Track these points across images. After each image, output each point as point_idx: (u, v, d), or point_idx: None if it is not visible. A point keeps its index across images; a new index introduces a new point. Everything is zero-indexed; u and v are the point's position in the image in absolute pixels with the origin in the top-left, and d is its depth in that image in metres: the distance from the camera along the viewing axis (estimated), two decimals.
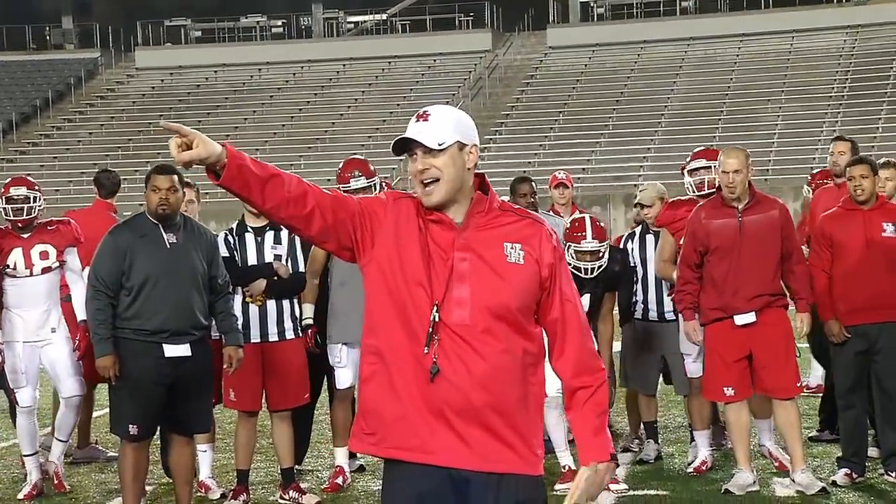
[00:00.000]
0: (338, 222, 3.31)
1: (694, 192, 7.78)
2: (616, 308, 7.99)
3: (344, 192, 6.70)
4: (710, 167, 7.65)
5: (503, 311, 3.25)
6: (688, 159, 8.11)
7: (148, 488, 7.39)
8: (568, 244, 7.39)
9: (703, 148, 8.48)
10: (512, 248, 3.31)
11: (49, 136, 37.35)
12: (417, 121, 3.28)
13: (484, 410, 3.23)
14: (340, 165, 7.72)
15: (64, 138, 37.32)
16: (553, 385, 4.23)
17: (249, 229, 7.36)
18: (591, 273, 7.33)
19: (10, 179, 8.16)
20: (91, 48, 41.47)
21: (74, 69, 40.34)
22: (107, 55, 41.51)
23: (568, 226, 7.85)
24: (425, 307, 3.23)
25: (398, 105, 35.47)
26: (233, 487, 7.42)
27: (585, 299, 7.25)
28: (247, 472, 7.35)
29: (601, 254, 7.42)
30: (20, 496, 7.42)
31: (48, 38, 41.91)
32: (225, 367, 6.83)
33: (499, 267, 3.27)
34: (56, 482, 7.50)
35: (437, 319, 3.22)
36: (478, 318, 3.23)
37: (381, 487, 3.58)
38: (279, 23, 41.30)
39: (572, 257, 7.30)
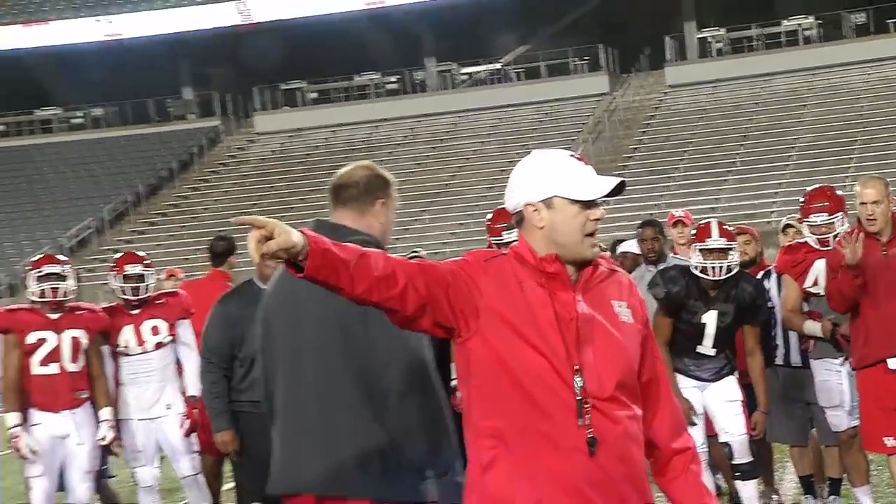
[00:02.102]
0: (431, 296, 3.06)
1: (817, 245, 7.32)
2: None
3: (496, 244, 6.74)
4: (832, 222, 7.18)
5: (627, 374, 3.10)
6: (803, 198, 7.54)
7: None
8: (693, 245, 7.26)
9: (819, 188, 7.79)
10: (619, 305, 3.16)
11: (176, 206, 38.58)
12: (586, 164, 3.10)
13: (621, 484, 3.05)
14: (489, 216, 7.52)
15: (191, 207, 38.40)
16: None
17: None
18: (720, 273, 7.00)
19: (123, 255, 8.28)
20: (211, 116, 42.57)
21: (197, 138, 41.62)
22: (227, 122, 42.81)
23: (694, 233, 7.63)
24: (558, 375, 3.00)
25: (517, 154, 34.11)
26: None
27: (711, 316, 7.07)
28: None
29: (729, 253, 7.13)
30: None
31: (170, 109, 43.36)
32: None
33: (615, 327, 3.11)
34: None
35: (582, 386, 2.99)
36: (607, 384, 3.03)
37: None
38: (393, 79, 41.74)
39: (699, 258, 7.10)
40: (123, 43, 41.10)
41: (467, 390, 3.13)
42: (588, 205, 3.01)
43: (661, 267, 7.94)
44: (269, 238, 2.84)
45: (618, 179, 3.05)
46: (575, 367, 2.95)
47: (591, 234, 3.04)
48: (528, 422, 2.97)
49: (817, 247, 7.17)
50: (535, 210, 3.03)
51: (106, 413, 7.22)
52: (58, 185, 40.40)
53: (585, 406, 2.93)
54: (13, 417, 7.31)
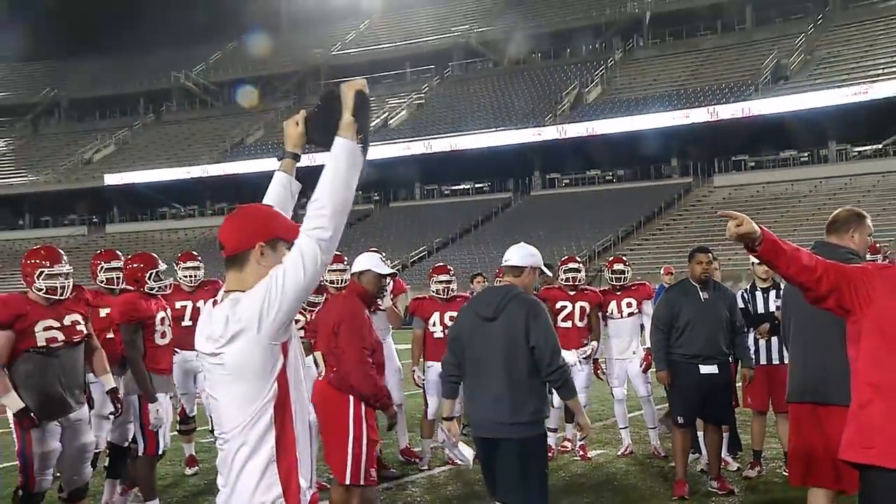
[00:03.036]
0: (838, 286, 3.93)
1: None
2: None
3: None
4: None
5: None
6: None
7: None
8: None
9: None
10: None
11: (661, 231, 44.59)
12: None
13: None
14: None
15: (670, 232, 44.03)
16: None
17: (759, 288, 9.08)
18: None
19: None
20: (686, 176, 49.62)
21: (676, 190, 48.69)
22: (696, 180, 49.14)
23: None
24: None
25: (885, 206, 38.23)
26: None
27: None
28: None
29: None
30: None
31: (661, 170, 50.97)
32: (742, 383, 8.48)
33: None
34: None
35: None
36: None
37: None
38: (805, 154, 46.79)
39: None
40: (636, 133, 48.50)
41: (856, 352, 3.99)
42: None
43: None
44: (738, 226, 3.86)
45: None
46: None
47: None
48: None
49: None
50: None
51: None
52: (582, 219, 45.80)
53: None
54: None
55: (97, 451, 7.32)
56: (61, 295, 6.49)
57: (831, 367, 4.94)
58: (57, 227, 64.08)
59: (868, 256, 7.50)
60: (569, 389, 5.97)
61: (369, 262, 6.71)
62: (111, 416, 7.47)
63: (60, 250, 6.87)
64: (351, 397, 6.27)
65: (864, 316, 3.91)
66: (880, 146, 45.85)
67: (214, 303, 3.26)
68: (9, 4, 68.12)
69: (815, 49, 51.71)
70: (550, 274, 6.46)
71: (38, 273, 6.45)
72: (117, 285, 7.75)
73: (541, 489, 5.87)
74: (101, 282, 7.94)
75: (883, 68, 46.55)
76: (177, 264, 9.69)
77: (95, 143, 68.96)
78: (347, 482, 6.28)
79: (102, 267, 7.80)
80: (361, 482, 6.26)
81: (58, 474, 6.73)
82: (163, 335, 7.52)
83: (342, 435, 6.22)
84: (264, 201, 3.46)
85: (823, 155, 47.69)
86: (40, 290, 6.43)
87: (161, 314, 7.52)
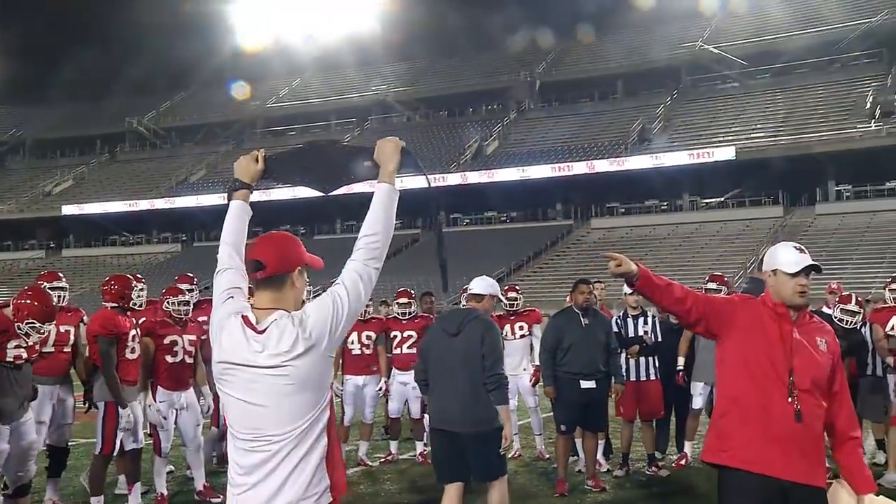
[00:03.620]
0: (706, 315, 4.04)
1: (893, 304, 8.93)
2: None
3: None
4: None
5: (819, 379, 3.86)
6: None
7: None
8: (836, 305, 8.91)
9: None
10: (821, 340, 3.96)
11: (539, 270, 44.38)
12: (803, 252, 3.97)
13: (808, 440, 3.78)
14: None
15: (550, 272, 43.26)
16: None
17: (630, 315, 9.27)
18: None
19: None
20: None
21: (559, 231, 48.97)
22: (576, 222, 49.16)
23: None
24: (781, 372, 3.83)
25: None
26: None
27: None
28: None
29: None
30: None
31: (547, 212, 51.02)
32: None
33: (816, 351, 3.89)
34: None
35: (793, 380, 3.79)
36: (806, 382, 3.82)
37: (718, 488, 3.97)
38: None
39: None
40: (527, 181, 49.52)
41: (721, 370, 4.05)
42: (804, 276, 3.91)
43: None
44: (618, 265, 3.99)
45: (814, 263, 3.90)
46: (790, 368, 3.81)
47: (801, 295, 3.91)
48: (750, 394, 3.87)
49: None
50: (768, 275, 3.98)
51: None
52: (480, 253, 43.22)
53: (794, 391, 3.79)
54: None
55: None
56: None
57: None
58: (18, 251, 62.40)
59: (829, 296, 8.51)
60: (501, 395, 6.16)
61: None
62: (46, 421, 7.32)
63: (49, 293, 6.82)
64: None
65: (726, 339, 3.98)
66: (722, 199, 47.43)
67: (245, 319, 3.06)
68: None
69: (672, 117, 52.88)
70: (505, 301, 6.55)
71: (26, 321, 6.44)
72: (60, 303, 7.34)
73: (501, 465, 6.22)
74: None
75: (722, 136, 48.18)
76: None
77: (55, 178, 67.52)
78: None
79: (45, 286, 7.35)
80: None
81: (1, 473, 6.61)
82: (132, 350, 7.37)
83: None
84: (228, 226, 3.32)
85: (679, 204, 48.91)
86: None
87: (132, 332, 7.38)
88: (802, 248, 3.99)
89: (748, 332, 3.92)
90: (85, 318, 7.83)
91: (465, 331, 6.22)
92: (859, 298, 8.92)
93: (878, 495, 3.97)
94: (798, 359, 3.86)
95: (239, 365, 3.01)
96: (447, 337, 6.30)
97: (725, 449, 3.88)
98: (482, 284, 6.64)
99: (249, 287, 3.22)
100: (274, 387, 2.98)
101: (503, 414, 6.15)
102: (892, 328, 8.76)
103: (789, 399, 3.76)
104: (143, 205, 58.71)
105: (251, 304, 3.13)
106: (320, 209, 50.84)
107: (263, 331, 3.03)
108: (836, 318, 8.65)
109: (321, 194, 3.53)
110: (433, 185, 3.47)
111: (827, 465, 4.04)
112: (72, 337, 6.85)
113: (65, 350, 7.59)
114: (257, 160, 3.37)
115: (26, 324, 6.38)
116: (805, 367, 3.84)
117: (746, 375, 3.88)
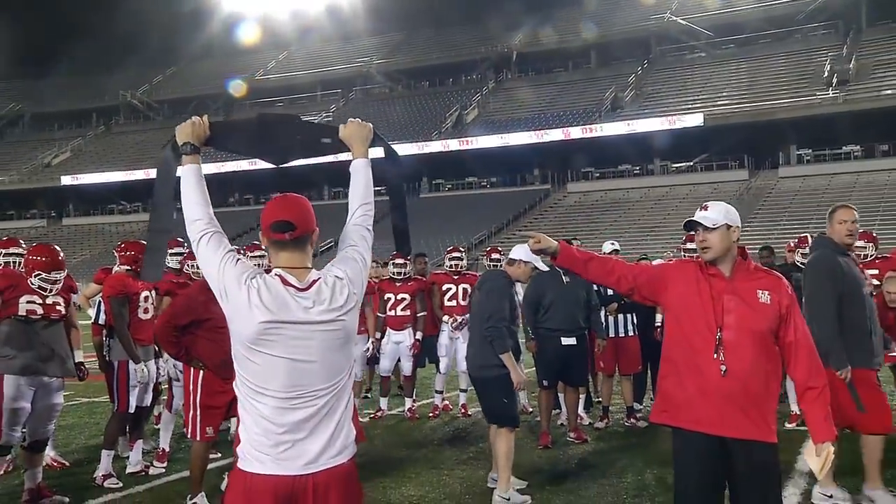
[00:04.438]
0: (639, 284, 3.93)
1: None
2: None
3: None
4: None
5: (758, 333, 3.68)
6: None
7: None
8: None
9: None
10: (762, 293, 3.73)
11: (518, 232, 40.80)
12: (700, 210, 3.79)
13: (741, 396, 3.64)
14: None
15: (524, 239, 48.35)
16: None
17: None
18: None
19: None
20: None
21: (537, 195, 49.11)
22: (553, 186, 49.41)
23: None
24: (710, 330, 3.68)
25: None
26: None
27: None
28: None
29: None
30: None
31: (525, 178, 51.31)
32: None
33: (754, 305, 3.70)
34: None
35: (720, 337, 3.65)
36: (742, 338, 3.66)
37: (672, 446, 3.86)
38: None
39: None
40: (505, 148, 49.91)
41: (664, 333, 3.95)
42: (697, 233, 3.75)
43: None
44: (536, 243, 3.95)
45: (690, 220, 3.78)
46: (718, 325, 3.68)
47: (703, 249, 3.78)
48: (687, 353, 3.75)
49: None
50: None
51: None
52: (462, 217, 45.15)
53: (720, 348, 3.66)
54: None
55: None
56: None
57: None
58: (20, 220, 61.93)
59: (858, 243, 8.05)
60: (498, 345, 6.34)
61: None
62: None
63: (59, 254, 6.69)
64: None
65: (663, 304, 3.91)
66: (691, 163, 47.51)
67: (283, 278, 2.93)
68: None
69: (643, 86, 53.03)
70: (545, 268, 6.59)
71: (35, 274, 6.41)
72: (17, 268, 6.93)
73: (505, 414, 6.46)
74: None
75: (691, 104, 48.24)
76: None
77: (54, 150, 67.11)
78: (189, 437, 6.23)
79: (1, 252, 7.03)
80: (197, 438, 6.09)
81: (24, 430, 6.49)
82: (145, 311, 7.28)
83: (187, 396, 6.18)
84: (197, 190, 3.11)
85: (650, 169, 49.05)
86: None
87: (146, 293, 7.30)
88: (707, 205, 3.84)
89: (681, 295, 3.81)
90: (79, 288, 7.66)
91: (482, 287, 6.68)
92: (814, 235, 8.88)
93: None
94: (732, 316, 3.70)
95: (288, 323, 2.86)
96: (476, 292, 6.86)
97: (667, 409, 3.82)
98: (519, 252, 6.58)
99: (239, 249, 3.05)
100: (325, 342, 2.91)
101: (506, 361, 6.27)
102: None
103: (714, 356, 3.63)
104: (139, 174, 58.15)
105: (271, 265, 3.01)
106: (308, 177, 50.41)
107: (307, 288, 2.93)
108: (798, 262, 8.71)
109: (272, 165, 3.47)
110: (399, 157, 3.58)
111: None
112: (62, 308, 6.58)
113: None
114: (203, 124, 3.19)
115: (36, 276, 6.35)
116: (739, 324, 3.68)
117: (681, 336, 3.77)
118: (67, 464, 7.71)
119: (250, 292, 2.86)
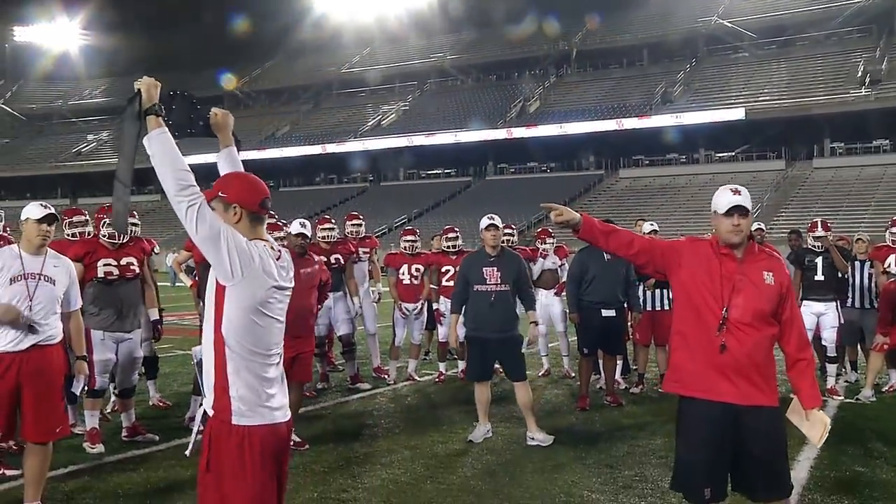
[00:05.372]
0: (654, 257, 3.71)
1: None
2: None
3: None
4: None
5: (761, 312, 3.54)
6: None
7: None
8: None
9: None
10: (767, 274, 3.59)
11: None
12: (737, 194, 3.53)
13: (746, 367, 3.52)
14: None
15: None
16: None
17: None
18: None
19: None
20: (599, 169, 49.05)
21: (591, 179, 48.96)
22: (606, 172, 49.06)
23: None
24: (718, 308, 3.51)
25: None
26: None
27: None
28: None
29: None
30: None
31: (581, 164, 50.70)
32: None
33: (760, 286, 3.55)
34: None
35: (726, 316, 3.50)
36: (746, 317, 3.52)
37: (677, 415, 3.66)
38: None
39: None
40: (564, 136, 49.32)
41: (674, 307, 3.77)
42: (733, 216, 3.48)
43: None
44: (559, 215, 3.60)
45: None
46: (724, 305, 3.50)
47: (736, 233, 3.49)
48: (696, 329, 3.57)
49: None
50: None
51: None
52: (523, 198, 44.20)
53: (723, 327, 3.49)
54: None
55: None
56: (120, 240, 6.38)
57: None
58: (140, 195, 63.10)
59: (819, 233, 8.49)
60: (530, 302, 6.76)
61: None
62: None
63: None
64: None
65: (675, 279, 3.68)
66: (733, 153, 46.93)
67: (270, 248, 2.98)
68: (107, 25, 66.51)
69: (691, 82, 52.10)
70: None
71: (102, 223, 6.36)
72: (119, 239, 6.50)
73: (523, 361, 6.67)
74: (103, 235, 6.52)
75: (734, 99, 47.33)
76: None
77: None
78: None
79: (105, 222, 6.45)
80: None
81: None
82: None
83: None
84: (177, 152, 2.88)
85: (696, 157, 48.30)
86: (104, 235, 6.34)
87: None
88: (739, 189, 3.59)
89: (693, 271, 3.60)
90: (156, 248, 7.58)
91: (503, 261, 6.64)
92: (825, 222, 8.90)
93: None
94: (740, 296, 3.53)
95: (278, 287, 2.93)
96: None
97: (678, 379, 3.63)
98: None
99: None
100: (286, 304, 3.01)
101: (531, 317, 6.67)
102: (889, 265, 8.48)
103: (717, 332, 3.48)
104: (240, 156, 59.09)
105: (247, 237, 2.91)
106: (384, 159, 50.53)
107: (279, 257, 2.99)
108: (810, 245, 8.67)
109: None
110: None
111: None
112: (135, 268, 6.46)
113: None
114: (157, 86, 2.93)
115: (104, 226, 6.29)
116: (746, 304, 3.52)
117: (691, 311, 3.59)
118: (169, 404, 7.87)
119: (261, 259, 2.87)
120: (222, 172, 3.12)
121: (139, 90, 2.87)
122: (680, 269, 3.68)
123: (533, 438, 6.44)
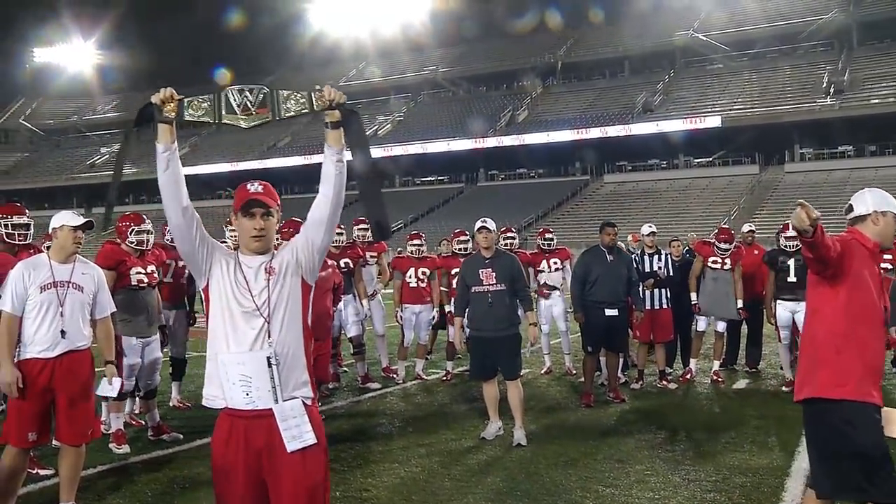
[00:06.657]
0: (833, 260, 3.26)
1: None
2: None
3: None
4: None
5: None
6: None
7: None
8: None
9: None
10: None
11: (561, 217, 43.69)
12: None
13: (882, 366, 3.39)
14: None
15: (570, 219, 42.66)
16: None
17: (646, 253, 8.83)
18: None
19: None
20: (585, 175, 50.10)
21: (577, 185, 48.72)
22: (591, 177, 48.56)
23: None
24: (880, 308, 3.37)
25: None
26: None
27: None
28: None
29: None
30: None
31: (568, 169, 52.10)
32: None
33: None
34: None
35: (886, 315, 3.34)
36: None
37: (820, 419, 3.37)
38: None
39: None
40: (551, 144, 48.82)
41: (832, 307, 3.37)
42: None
43: None
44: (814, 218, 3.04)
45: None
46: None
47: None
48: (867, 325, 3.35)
49: None
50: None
51: None
52: (513, 203, 48.88)
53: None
54: None
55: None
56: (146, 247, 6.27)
57: None
58: (150, 203, 62.81)
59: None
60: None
61: None
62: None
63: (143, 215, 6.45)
64: None
65: (842, 279, 3.32)
66: (710, 159, 46.74)
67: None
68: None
69: (670, 92, 51.89)
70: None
71: (129, 231, 6.20)
72: (145, 246, 6.32)
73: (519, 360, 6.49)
74: (132, 243, 6.29)
75: (710, 108, 47.29)
76: None
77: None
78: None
79: (133, 230, 6.25)
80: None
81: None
82: None
83: None
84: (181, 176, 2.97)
85: (675, 163, 48.07)
86: (132, 243, 6.19)
87: None
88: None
89: (858, 273, 3.33)
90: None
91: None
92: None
93: None
94: (884, 297, 3.41)
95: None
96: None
97: (844, 384, 3.26)
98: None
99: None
100: None
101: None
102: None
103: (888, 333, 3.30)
104: (242, 165, 58.73)
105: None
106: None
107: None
108: (782, 246, 8.36)
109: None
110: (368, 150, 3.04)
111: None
112: (157, 276, 6.34)
113: (182, 281, 7.22)
114: (174, 97, 2.84)
115: (132, 233, 6.16)
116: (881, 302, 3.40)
117: (859, 312, 3.31)
118: (190, 405, 7.67)
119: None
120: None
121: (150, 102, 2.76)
122: (850, 270, 3.37)
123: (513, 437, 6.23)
